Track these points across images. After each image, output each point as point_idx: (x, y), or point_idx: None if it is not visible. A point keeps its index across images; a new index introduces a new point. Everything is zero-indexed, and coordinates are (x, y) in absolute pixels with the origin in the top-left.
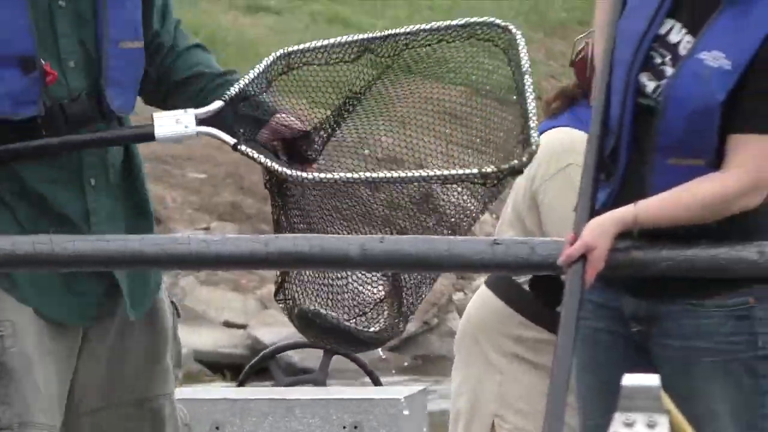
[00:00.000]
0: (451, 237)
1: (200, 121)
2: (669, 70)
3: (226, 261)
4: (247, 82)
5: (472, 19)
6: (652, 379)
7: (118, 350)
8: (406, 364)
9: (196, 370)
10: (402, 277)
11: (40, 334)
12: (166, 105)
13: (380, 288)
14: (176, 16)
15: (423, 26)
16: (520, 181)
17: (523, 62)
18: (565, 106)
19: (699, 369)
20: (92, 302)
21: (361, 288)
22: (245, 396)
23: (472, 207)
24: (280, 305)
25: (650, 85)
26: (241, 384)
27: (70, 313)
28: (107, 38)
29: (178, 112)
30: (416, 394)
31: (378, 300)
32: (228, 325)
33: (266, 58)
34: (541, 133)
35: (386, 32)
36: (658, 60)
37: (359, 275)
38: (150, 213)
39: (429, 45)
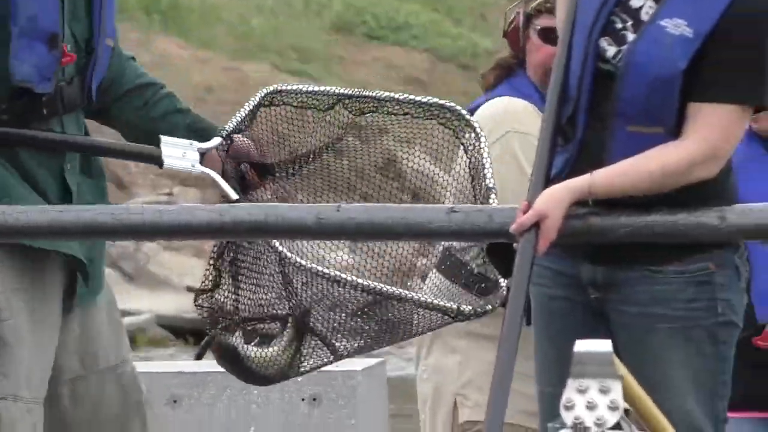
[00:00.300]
0: (408, 205)
1: (201, 156)
2: (630, 36)
3: (181, 231)
4: (240, 117)
5: (443, 103)
6: (604, 345)
7: (90, 318)
8: None
9: (159, 335)
10: (308, 320)
11: (31, 306)
12: (105, 114)
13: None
14: None
15: (395, 96)
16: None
17: (486, 168)
18: (502, 77)
19: (657, 336)
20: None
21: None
22: (203, 369)
23: (434, 173)
24: (199, 311)
25: (610, 50)
26: (199, 357)
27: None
28: (102, 32)
29: (185, 144)
30: (374, 365)
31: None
32: (190, 290)
33: (257, 95)
34: (479, 108)
35: (360, 92)
36: (619, 25)
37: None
38: (107, 194)
39: (394, 114)
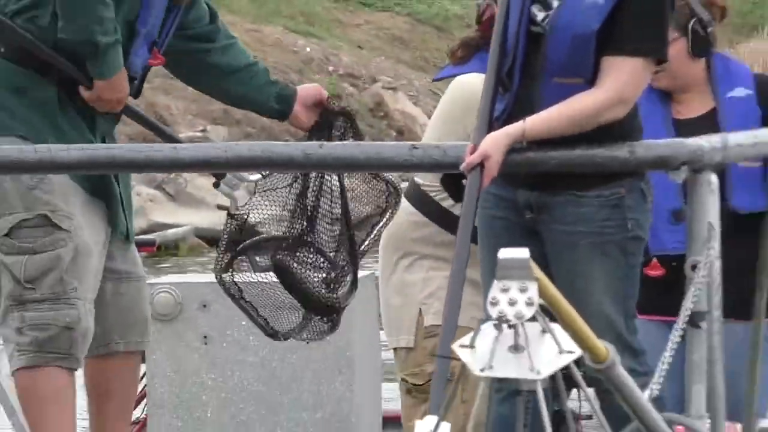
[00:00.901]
0: (378, 143)
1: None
2: (555, 3)
3: (193, 164)
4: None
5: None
6: (523, 252)
7: (115, 246)
8: None
9: (196, 244)
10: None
11: (90, 228)
12: (217, 87)
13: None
14: None
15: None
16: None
17: None
18: (470, 54)
19: (578, 249)
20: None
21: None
22: None
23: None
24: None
25: (540, 15)
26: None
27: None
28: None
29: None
30: (364, 278)
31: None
32: (221, 208)
33: None
34: (448, 77)
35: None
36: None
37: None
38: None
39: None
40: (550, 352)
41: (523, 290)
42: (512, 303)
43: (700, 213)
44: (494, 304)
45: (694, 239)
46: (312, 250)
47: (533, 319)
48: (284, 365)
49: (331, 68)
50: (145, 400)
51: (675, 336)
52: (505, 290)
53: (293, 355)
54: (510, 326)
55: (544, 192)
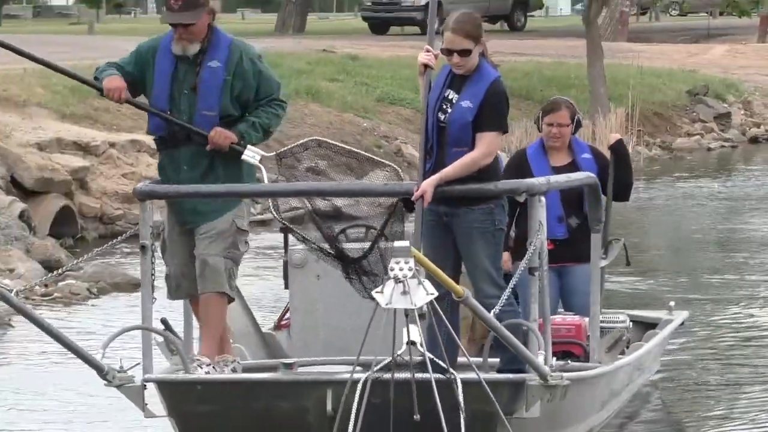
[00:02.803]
0: (369, 182)
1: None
2: (449, 109)
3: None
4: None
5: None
6: (405, 243)
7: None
8: None
9: None
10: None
11: (170, 228)
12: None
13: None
14: None
15: None
16: None
17: None
18: None
19: (472, 237)
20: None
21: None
22: None
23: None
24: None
25: (442, 116)
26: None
27: (185, 221)
28: (199, 108)
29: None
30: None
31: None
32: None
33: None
34: None
35: None
36: (446, 105)
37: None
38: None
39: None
40: (422, 294)
41: (407, 262)
42: (401, 269)
43: (534, 216)
44: (392, 270)
45: (531, 228)
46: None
47: (413, 277)
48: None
49: (375, 133)
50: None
51: (516, 274)
52: (397, 262)
53: None
54: (399, 281)
55: (453, 207)
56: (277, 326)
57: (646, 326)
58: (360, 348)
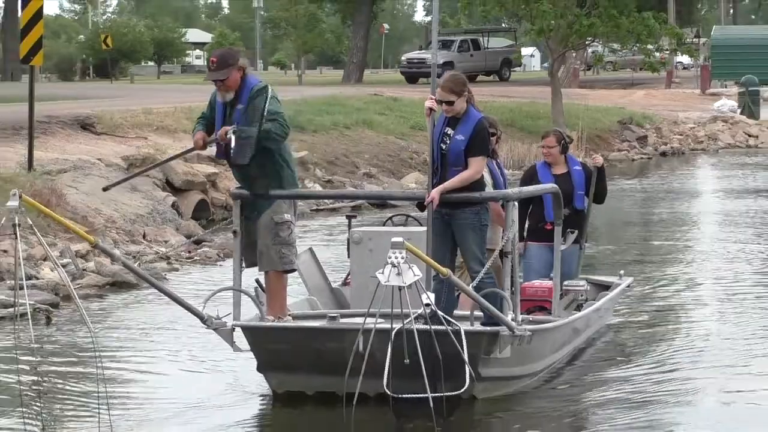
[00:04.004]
0: (390, 190)
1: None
2: (448, 141)
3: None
4: None
5: None
6: (400, 237)
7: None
8: None
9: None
10: None
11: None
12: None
13: None
14: None
15: None
16: None
17: None
18: None
19: (466, 230)
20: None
21: None
22: None
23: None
24: None
25: (443, 146)
26: None
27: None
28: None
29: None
30: None
31: None
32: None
33: None
34: None
35: None
36: (445, 138)
37: None
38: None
39: None
40: (411, 274)
41: (401, 252)
42: (396, 257)
43: (509, 215)
44: (389, 257)
45: (507, 225)
46: None
47: (405, 263)
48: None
49: (409, 149)
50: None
51: (493, 255)
52: (395, 252)
53: None
54: (394, 266)
55: (451, 209)
56: (343, 284)
57: (602, 288)
58: (392, 304)
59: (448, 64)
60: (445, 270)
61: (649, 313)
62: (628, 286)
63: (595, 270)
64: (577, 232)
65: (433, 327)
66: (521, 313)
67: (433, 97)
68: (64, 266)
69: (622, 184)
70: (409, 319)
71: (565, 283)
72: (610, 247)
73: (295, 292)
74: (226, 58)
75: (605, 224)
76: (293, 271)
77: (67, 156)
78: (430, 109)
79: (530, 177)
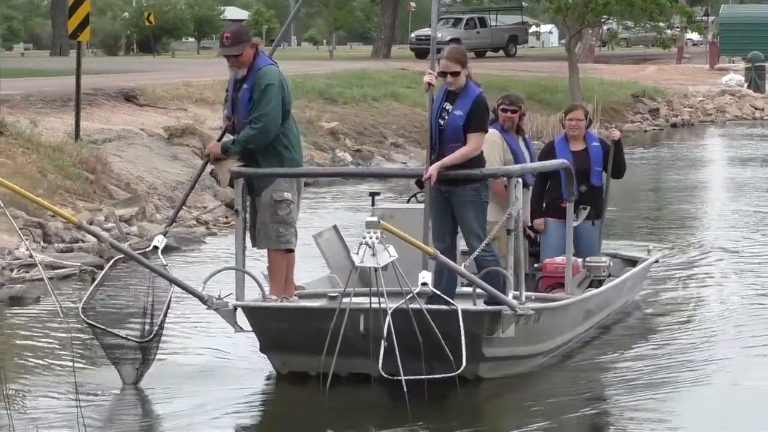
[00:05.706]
0: (389, 167)
1: None
2: (447, 117)
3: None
4: None
5: None
6: (374, 217)
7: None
8: None
9: None
10: None
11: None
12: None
13: None
14: None
15: None
16: None
17: None
18: (491, 123)
19: (465, 206)
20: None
21: None
22: None
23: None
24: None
25: (441, 122)
26: None
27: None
28: (239, 115)
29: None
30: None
31: None
32: None
33: None
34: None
35: None
36: (444, 114)
37: None
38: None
39: None
40: (386, 255)
41: (375, 231)
42: (371, 237)
43: (511, 192)
44: (364, 237)
45: (511, 202)
46: None
47: (380, 243)
48: None
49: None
50: None
51: (494, 229)
52: (368, 232)
53: None
54: (369, 246)
55: (451, 186)
56: None
57: (629, 263)
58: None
59: (455, 41)
60: (431, 249)
61: (673, 290)
62: (656, 261)
63: (615, 238)
64: (589, 208)
65: (426, 307)
66: (544, 291)
67: (431, 72)
68: (108, 230)
69: (637, 153)
70: (404, 300)
71: (588, 259)
72: (628, 214)
73: (319, 269)
74: (240, 35)
75: (624, 192)
76: (292, 251)
77: (112, 126)
78: (429, 84)
79: (548, 153)
